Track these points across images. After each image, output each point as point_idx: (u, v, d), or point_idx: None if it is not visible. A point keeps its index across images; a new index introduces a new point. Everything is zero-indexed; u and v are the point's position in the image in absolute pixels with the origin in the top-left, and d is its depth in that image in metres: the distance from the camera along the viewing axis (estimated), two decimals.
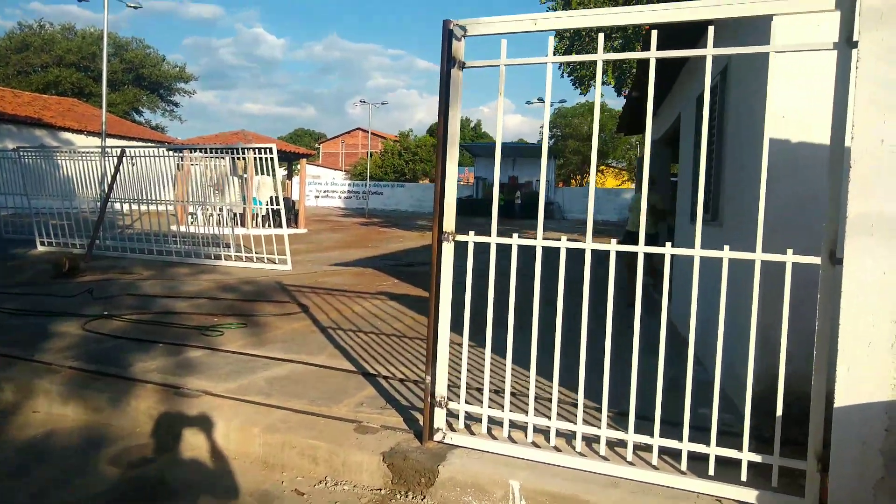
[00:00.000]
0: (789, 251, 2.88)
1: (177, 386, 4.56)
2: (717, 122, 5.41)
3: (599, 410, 3.64)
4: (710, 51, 3.08)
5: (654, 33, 3.12)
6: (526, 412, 3.56)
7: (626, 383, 3.29)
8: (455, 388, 4.23)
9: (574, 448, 3.41)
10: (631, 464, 3.22)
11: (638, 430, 3.26)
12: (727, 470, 3.07)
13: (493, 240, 3.46)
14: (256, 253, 11.75)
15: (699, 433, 3.24)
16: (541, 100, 36.16)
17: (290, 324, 6.86)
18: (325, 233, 21.71)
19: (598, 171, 52.95)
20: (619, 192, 40.18)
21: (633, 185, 34.93)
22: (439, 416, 3.60)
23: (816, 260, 2.81)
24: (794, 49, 3.00)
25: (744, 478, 2.99)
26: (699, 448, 3.11)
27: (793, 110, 3.81)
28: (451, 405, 3.61)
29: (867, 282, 2.60)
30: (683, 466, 3.13)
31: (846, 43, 2.74)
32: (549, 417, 3.47)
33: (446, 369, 3.59)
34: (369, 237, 20.74)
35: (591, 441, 3.52)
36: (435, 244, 3.56)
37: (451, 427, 3.70)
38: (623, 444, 3.36)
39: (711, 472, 3.04)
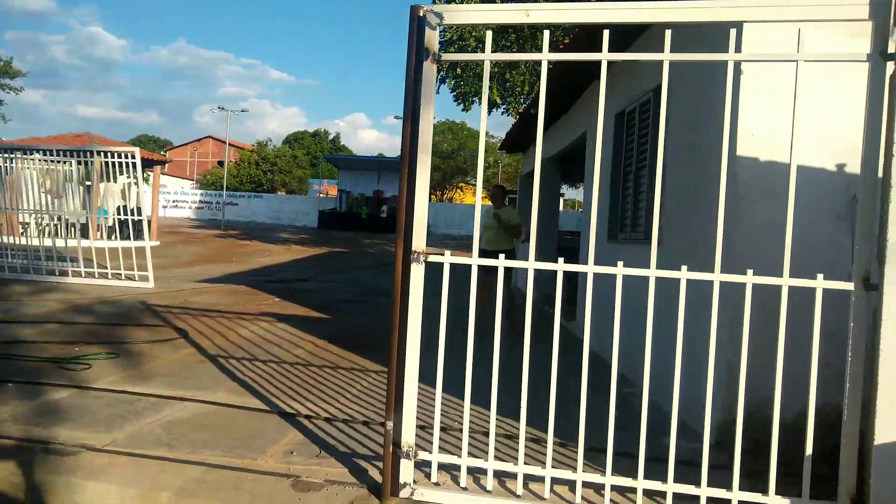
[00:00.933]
0: (820, 276, 2.64)
1: (44, 441, 3.60)
2: (650, 138, 5.27)
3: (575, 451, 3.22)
4: (667, 56, 2.79)
5: (606, 34, 2.82)
6: (507, 458, 3.07)
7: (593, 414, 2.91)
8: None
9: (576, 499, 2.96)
10: None
11: (593, 467, 2.89)
12: None
13: (475, 261, 2.96)
14: (112, 269, 10.35)
15: (682, 470, 2.92)
16: (398, 117, 35.98)
17: (171, 352, 5.90)
18: (179, 245, 19.99)
19: (457, 187, 53.92)
20: (485, 208, 40.90)
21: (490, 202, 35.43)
22: (406, 469, 3.02)
23: (849, 286, 2.59)
24: (827, 59, 2.79)
25: None
26: (688, 489, 2.79)
27: (765, 127, 3.66)
28: (422, 455, 3.05)
29: None
30: None
31: (880, 55, 2.55)
32: (543, 464, 3.00)
33: (414, 414, 3.03)
34: (231, 250, 19.34)
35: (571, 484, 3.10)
36: (399, 265, 3.00)
37: (414, 480, 3.12)
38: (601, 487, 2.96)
39: None
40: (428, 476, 3.15)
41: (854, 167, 3.70)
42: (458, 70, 15.06)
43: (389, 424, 3.03)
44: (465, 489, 3.00)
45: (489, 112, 15.75)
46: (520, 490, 2.92)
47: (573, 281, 12.25)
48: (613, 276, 2.88)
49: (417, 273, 2.97)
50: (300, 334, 7.06)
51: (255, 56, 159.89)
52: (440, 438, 3.22)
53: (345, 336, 7.17)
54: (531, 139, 12.06)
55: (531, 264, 2.94)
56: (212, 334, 6.77)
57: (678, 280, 2.79)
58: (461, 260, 2.97)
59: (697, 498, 2.79)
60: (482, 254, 7.50)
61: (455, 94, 15.50)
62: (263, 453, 3.57)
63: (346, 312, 9.05)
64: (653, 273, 2.80)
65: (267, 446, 3.68)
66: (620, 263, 2.88)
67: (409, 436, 3.01)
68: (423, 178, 2.94)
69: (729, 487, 2.73)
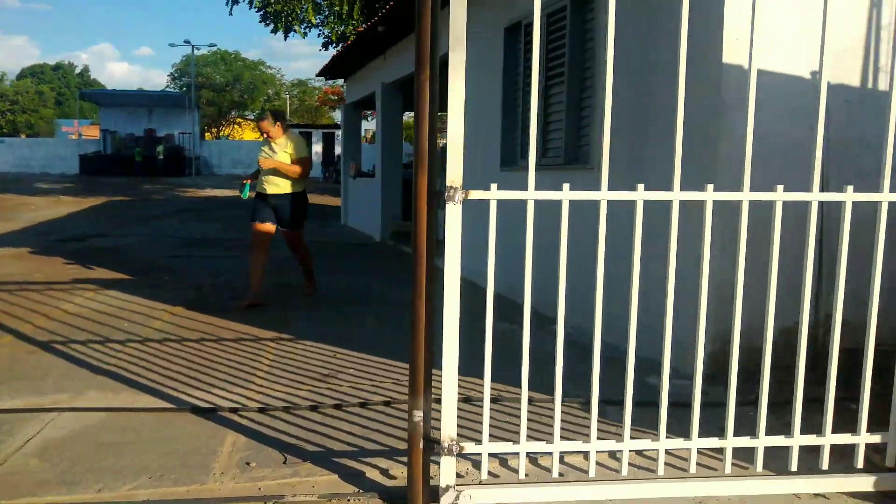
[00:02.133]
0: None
1: None
2: (567, 51, 4.82)
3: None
4: None
5: None
6: (538, 436, 2.52)
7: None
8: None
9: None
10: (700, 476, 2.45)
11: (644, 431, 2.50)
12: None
13: (531, 195, 2.30)
14: None
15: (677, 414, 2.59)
16: (188, 42, 32.15)
17: None
18: None
19: (234, 123, 50.06)
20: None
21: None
22: (448, 469, 2.36)
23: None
24: None
25: (825, 465, 2.46)
26: (780, 441, 2.45)
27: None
28: (468, 446, 2.39)
29: None
30: (759, 467, 2.47)
31: None
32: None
33: (456, 398, 2.35)
34: None
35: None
36: (423, 207, 2.25)
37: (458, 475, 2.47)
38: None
39: (825, 465, 2.46)
40: (468, 471, 2.53)
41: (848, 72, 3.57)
42: None
43: (418, 414, 2.33)
44: (526, 478, 2.42)
45: (304, 35, 14.24)
46: (592, 471, 2.42)
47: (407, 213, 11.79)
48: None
49: (454, 216, 2.25)
50: (143, 302, 5.78)
51: None
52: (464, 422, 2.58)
53: (201, 299, 6.04)
54: (365, 62, 11.11)
55: (597, 195, 2.32)
56: (26, 314, 5.27)
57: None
58: (516, 195, 2.30)
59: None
60: (261, 200, 5.88)
61: (263, 13, 13.62)
62: (210, 470, 2.67)
63: (182, 270, 7.73)
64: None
65: (209, 460, 2.77)
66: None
67: (450, 426, 2.34)
68: (457, 82, 2.19)
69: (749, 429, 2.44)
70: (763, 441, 2.42)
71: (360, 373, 3.92)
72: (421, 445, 2.36)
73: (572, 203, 2.31)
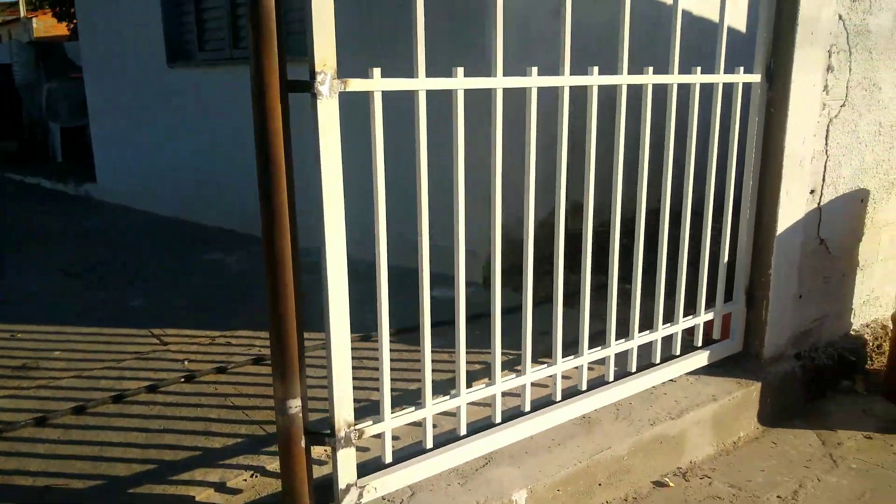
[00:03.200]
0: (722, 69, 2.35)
1: None
2: None
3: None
4: None
5: None
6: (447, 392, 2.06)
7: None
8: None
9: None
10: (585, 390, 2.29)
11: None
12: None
13: (423, 84, 1.69)
14: None
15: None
16: None
17: None
18: None
19: None
20: None
21: None
22: (348, 463, 1.75)
23: (755, 78, 2.45)
24: None
25: (677, 351, 2.54)
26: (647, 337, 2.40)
27: None
28: (369, 428, 1.77)
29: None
30: (634, 367, 2.42)
31: None
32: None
33: (350, 371, 1.71)
34: None
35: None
36: (275, 105, 1.50)
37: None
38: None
39: (678, 350, 2.50)
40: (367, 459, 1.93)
41: None
42: None
43: (294, 404, 1.66)
44: (431, 449, 1.93)
45: None
46: (498, 416, 2.04)
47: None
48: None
49: (330, 116, 1.54)
50: None
51: None
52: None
53: None
54: None
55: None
56: None
57: None
58: (406, 84, 1.65)
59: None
60: None
61: None
62: None
63: None
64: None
65: None
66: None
67: (345, 409, 1.71)
68: None
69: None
70: (623, 346, 2.34)
71: (71, 355, 2.82)
72: (303, 443, 1.70)
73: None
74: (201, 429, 2.19)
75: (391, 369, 1.81)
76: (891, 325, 3.20)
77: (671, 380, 2.53)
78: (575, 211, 2.60)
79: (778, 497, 2.22)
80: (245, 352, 2.78)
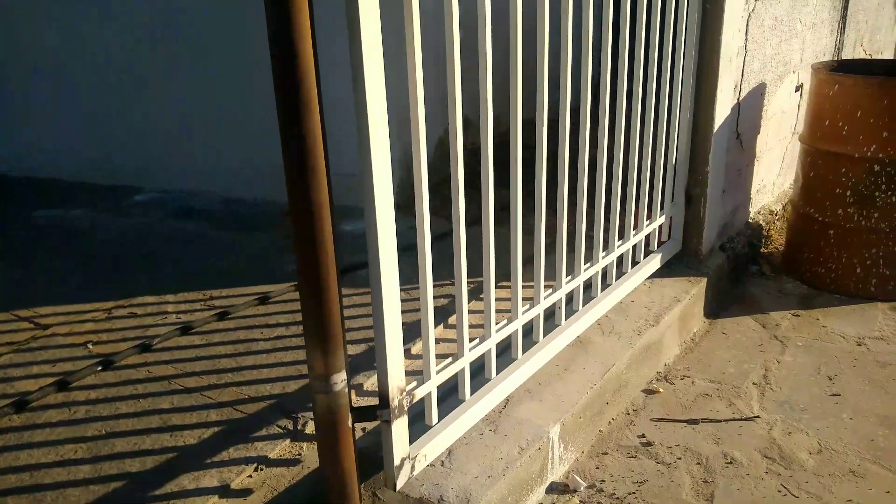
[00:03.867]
0: None
1: None
2: None
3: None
4: None
5: None
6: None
7: None
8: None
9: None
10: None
11: None
12: None
13: None
14: None
15: None
16: None
17: None
18: None
19: None
20: None
21: None
22: (402, 434, 1.48)
23: None
24: None
25: (641, 258, 2.52)
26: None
27: None
28: (417, 390, 1.50)
29: None
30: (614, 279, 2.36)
31: None
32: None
33: (400, 328, 1.41)
34: None
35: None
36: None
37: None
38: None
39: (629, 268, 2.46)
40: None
41: None
42: None
43: (339, 379, 1.36)
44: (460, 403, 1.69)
45: None
46: (519, 351, 1.86)
47: None
48: None
49: None
50: None
51: None
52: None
53: None
54: None
55: None
56: None
57: None
58: None
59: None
60: None
61: None
62: None
63: None
64: None
65: None
66: None
67: (397, 373, 1.43)
68: None
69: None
70: (608, 259, 2.26)
71: None
72: (350, 422, 1.41)
73: None
74: (158, 425, 1.77)
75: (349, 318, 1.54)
76: (778, 209, 3.49)
77: (633, 289, 2.52)
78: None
79: (753, 384, 2.32)
80: (161, 322, 2.30)
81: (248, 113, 3.31)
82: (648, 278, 2.59)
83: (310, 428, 1.74)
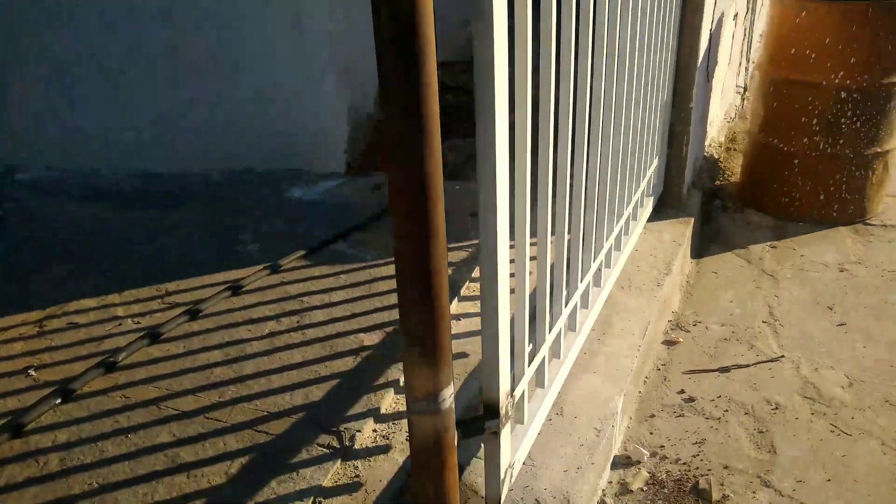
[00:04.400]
0: None
1: None
2: None
3: None
4: None
5: None
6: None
7: None
8: None
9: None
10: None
11: None
12: None
13: None
14: None
15: None
16: None
17: None
18: None
19: None
20: None
21: None
22: (507, 444, 1.24)
23: None
24: None
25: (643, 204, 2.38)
26: None
27: None
28: (516, 391, 1.25)
29: None
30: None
31: None
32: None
33: (508, 324, 1.15)
34: None
35: None
36: None
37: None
38: None
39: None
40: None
41: None
42: None
43: (447, 394, 1.10)
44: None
45: None
46: (578, 325, 1.65)
47: None
48: None
49: None
50: None
51: None
52: None
53: None
54: None
55: None
56: None
57: None
58: None
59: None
60: None
61: None
62: None
63: None
64: None
65: None
66: None
67: (505, 378, 1.18)
68: None
69: None
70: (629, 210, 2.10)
71: None
72: (457, 440, 1.16)
73: None
74: (166, 465, 1.42)
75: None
76: (722, 140, 3.48)
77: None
78: None
79: (763, 322, 2.29)
80: (116, 330, 1.88)
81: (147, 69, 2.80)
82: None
83: (359, 442, 1.47)
